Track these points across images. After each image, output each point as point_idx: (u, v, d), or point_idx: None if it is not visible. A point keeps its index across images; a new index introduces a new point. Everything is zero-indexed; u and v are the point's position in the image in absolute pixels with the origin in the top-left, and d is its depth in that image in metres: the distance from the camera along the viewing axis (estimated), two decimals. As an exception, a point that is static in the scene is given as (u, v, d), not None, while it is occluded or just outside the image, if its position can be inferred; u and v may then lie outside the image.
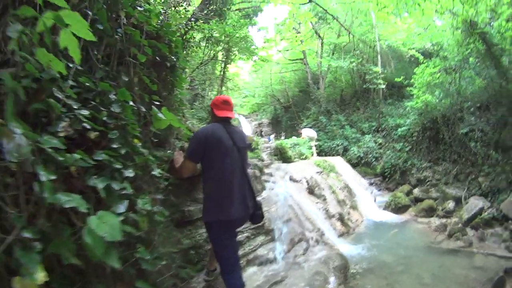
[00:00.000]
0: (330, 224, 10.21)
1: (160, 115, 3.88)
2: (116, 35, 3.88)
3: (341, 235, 10.32)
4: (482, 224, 11.05)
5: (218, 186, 4.54)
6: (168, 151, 5.21)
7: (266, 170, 10.46)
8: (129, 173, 3.26)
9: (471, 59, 15.90)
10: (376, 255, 8.97)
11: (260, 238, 7.23)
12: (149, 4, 5.19)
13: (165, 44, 4.91)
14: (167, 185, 4.79)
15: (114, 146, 3.21)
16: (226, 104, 4.87)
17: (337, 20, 14.97)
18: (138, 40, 4.13)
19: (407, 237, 10.89)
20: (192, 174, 5.03)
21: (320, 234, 9.04)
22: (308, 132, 20.45)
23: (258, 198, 7.97)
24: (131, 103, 3.63)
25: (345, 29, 14.00)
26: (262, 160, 11.62)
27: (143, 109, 4.05)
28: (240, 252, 6.01)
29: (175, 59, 5.27)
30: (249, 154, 10.82)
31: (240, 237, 6.59)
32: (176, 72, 5.43)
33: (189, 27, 10.98)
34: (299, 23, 29.04)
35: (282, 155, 13.75)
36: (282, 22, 29.72)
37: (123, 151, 3.28)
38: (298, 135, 20.59)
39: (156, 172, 4.20)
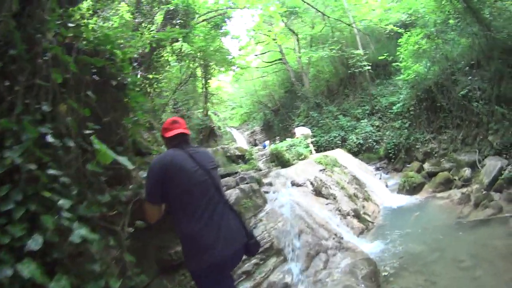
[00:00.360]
0: (346, 224, 9.40)
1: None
2: (41, 58, 3.19)
3: (361, 232, 9.53)
4: (506, 184, 10.37)
5: (193, 224, 3.71)
6: (130, 187, 4.27)
7: (265, 180, 9.64)
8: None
9: (450, 21, 15.81)
10: (404, 247, 8.15)
11: (272, 261, 6.32)
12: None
13: (107, 59, 4.11)
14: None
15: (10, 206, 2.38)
16: (176, 124, 4.19)
17: (310, 4, 14.35)
18: (63, 60, 3.36)
19: (431, 217, 10.18)
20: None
21: (338, 239, 8.10)
22: (301, 131, 19.68)
23: (262, 214, 7.30)
24: (51, 138, 2.92)
25: (320, 12, 13.35)
26: (259, 170, 10.96)
27: (71, 144, 3.24)
28: (251, 284, 5.51)
29: (122, 76, 4.45)
30: (244, 166, 10.38)
31: (247, 265, 5.82)
32: (127, 91, 4.58)
33: (155, 45, 10.32)
34: (271, 24, 28.48)
35: (279, 160, 13.01)
36: (254, 27, 29.41)
37: (18, 214, 2.42)
38: (292, 135, 19.76)
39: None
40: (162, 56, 12.25)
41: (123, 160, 3.38)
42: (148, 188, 3.80)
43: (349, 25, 20.71)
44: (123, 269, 3.61)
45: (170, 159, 3.81)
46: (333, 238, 8.00)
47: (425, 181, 13.62)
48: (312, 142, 19.48)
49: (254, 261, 5.98)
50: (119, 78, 4.38)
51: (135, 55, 9.83)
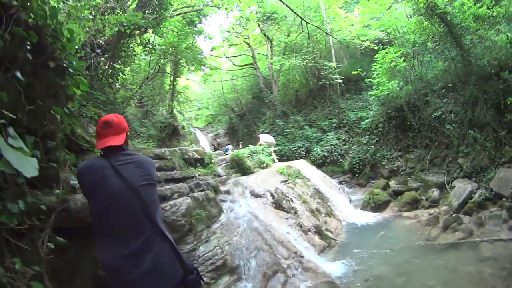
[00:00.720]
0: (307, 241, 8.93)
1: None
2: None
3: (322, 250, 9.09)
4: (475, 208, 10.37)
5: (109, 251, 3.06)
6: (55, 192, 3.62)
7: (222, 188, 9.19)
8: None
9: (429, 43, 15.88)
10: (370, 268, 7.79)
11: (224, 281, 5.75)
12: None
13: (49, 36, 3.53)
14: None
15: None
16: (107, 127, 3.44)
17: (291, 9, 14.01)
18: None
19: (398, 237, 9.95)
20: None
21: (298, 258, 7.57)
22: (265, 138, 19.09)
23: (216, 225, 6.78)
24: None
25: (300, 17, 13.03)
26: (218, 176, 10.58)
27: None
28: None
29: (64, 58, 3.80)
30: (203, 170, 9.95)
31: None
32: (67, 76, 3.94)
33: (122, 31, 9.78)
34: (247, 28, 28.16)
35: (240, 167, 12.73)
36: (228, 28, 29.15)
37: None
38: (256, 141, 19.38)
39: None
40: (130, 45, 11.66)
41: (14, 159, 2.56)
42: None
43: (326, 33, 20.39)
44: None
45: (87, 170, 3.26)
46: (293, 257, 7.48)
47: (391, 199, 13.48)
48: (275, 151, 19.19)
49: (204, 279, 5.39)
50: (59, 61, 3.74)
51: (100, 41, 9.32)
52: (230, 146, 27.92)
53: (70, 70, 3.94)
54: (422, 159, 15.75)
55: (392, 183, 15.34)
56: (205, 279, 5.40)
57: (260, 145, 17.76)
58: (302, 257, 7.65)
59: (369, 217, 12.46)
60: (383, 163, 18.31)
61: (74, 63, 4.01)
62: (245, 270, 6.15)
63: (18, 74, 3.14)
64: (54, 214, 3.44)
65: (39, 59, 3.47)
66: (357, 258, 8.44)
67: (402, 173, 16.57)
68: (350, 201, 14.76)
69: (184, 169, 9.14)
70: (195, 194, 6.99)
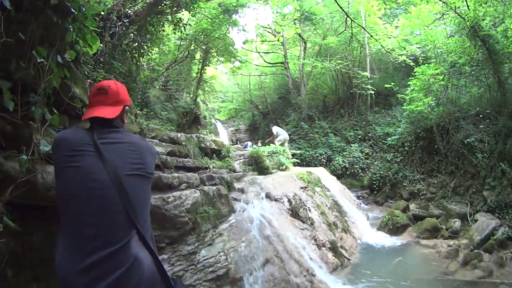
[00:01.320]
0: (320, 258, 8.20)
1: None
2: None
3: (334, 269, 8.37)
4: (497, 246, 9.68)
5: (66, 258, 2.26)
6: (22, 157, 2.81)
7: (236, 185, 8.57)
8: None
9: (466, 67, 15.60)
10: None
11: None
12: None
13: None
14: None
15: None
16: (101, 94, 2.75)
17: (338, 4, 13.36)
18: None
19: (414, 266, 9.26)
20: None
21: (309, 277, 6.79)
22: (280, 131, 19.29)
23: (224, 226, 6.12)
24: None
25: (344, 12, 12.41)
26: (234, 171, 10.07)
27: None
28: None
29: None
30: (218, 163, 9.46)
31: (191, 297, 4.44)
32: (70, 19, 3.33)
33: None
34: (282, 27, 27.70)
35: (258, 165, 12.25)
36: (264, 24, 28.92)
37: None
38: (270, 135, 20.10)
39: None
40: (161, 23, 11.10)
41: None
42: None
43: (370, 35, 19.64)
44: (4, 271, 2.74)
45: (64, 140, 2.51)
46: (304, 275, 6.69)
47: (409, 223, 12.70)
48: (295, 155, 18.64)
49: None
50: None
51: (129, 11, 8.87)
52: (249, 143, 27.42)
53: (77, 15, 3.36)
54: (445, 185, 15.09)
55: (412, 206, 14.52)
56: (200, 289, 4.66)
57: (273, 138, 18.26)
58: (314, 275, 6.94)
59: (386, 239, 11.78)
60: (404, 184, 17.55)
61: (84, 8, 3.46)
62: (249, 284, 5.37)
63: (7, 3, 2.59)
64: (13, 186, 2.71)
65: None
66: (369, 284, 7.85)
67: (422, 197, 15.91)
68: (368, 219, 14.13)
69: (198, 158, 8.62)
70: (206, 188, 6.33)
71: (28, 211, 3.02)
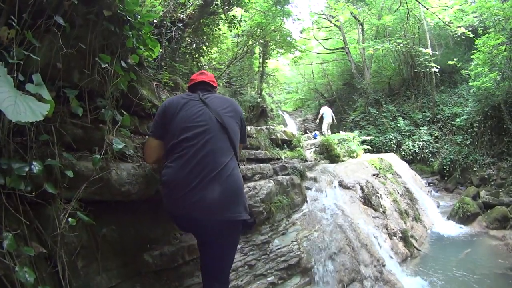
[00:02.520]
0: (391, 248, 8.09)
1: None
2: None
3: (404, 260, 8.22)
4: None
5: (176, 167, 3.18)
6: (95, 156, 3.06)
7: (309, 174, 8.52)
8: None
9: None
10: None
11: (293, 283, 5.02)
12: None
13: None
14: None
15: None
16: (202, 75, 3.86)
17: None
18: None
19: (481, 259, 8.93)
20: (157, 161, 3.64)
21: (380, 267, 6.68)
22: (324, 110, 21.85)
23: (297, 215, 6.15)
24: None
25: None
26: (306, 160, 10.03)
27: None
28: None
29: (124, 8, 3.50)
30: (289, 153, 9.60)
31: (259, 283, 4.57)
32: (127, 27, 3.60)
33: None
34: (335, 10, 27.34)
35: (329, 154, 12.18)
36: (318, 10, 28.79)
37: None
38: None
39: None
40: (215, 22, 11.24)
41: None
42: (153, 122, 3.62)
43: (425, 8, 19.08)
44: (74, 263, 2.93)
45: (175, 100, 3.56)
46: (374, 266, 6.60)
47: (479, 212, 12.24)
48: (366, 141, 18.19)
49: (270, 279, 4.75)
50: (117, 10, 3.40)
51: (182, 16, 9.04)
52: (317, 132, 27.42)
53: (133, 22, 3.66)
54: None
55: (482, 193, 14.08)
56: (271, 278, 4.78)
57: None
58: (384, 266, 6.84)
59: (455, 229, 11.51)
60: (474, 169, 17.03)
61: (139, 16, 3.75)
62: (320, 273, 5.38)
63: (60, 20, 2.86)
64: (86, 184, 2.97)
65: (90, 7, 3.19)
66: (436, 277, 7.66)
67: (492, 183, 15.40)
68: (438, 207, 13.82)
69: (269, 150, 8.62)
70: (279, 178, 6.33)
71: (101, 206, 3.22)
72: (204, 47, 10.72)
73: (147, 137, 3.83)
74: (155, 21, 7.12)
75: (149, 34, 4.07)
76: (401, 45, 22.82)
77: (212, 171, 3.10)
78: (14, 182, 2.43)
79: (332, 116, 21.70)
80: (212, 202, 3.05)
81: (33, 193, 2.57)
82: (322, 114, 21.76)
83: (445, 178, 18.53)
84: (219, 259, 3.37)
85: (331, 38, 33.59)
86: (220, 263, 3.39)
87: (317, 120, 23.19)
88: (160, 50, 6.17)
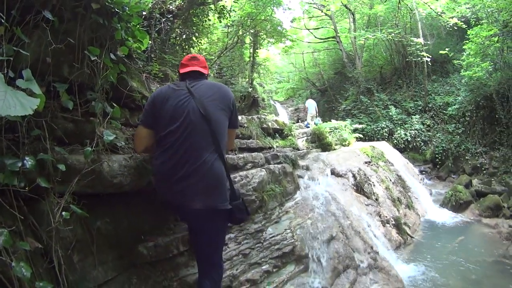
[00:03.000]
0: (384, 235, 8.16)
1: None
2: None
3: (397, 247, 8.33)
4: None
5: (162, 160, 3.39)
6: (86, 149, 3.07)
7: (301, 162, 8.48)
8: None
9: None
10: (442, 278, 7.07)
11: (288, 270, 5.03)
12: None
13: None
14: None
15: None
16: (194, 60, 3.87)
17: None
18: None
19: (474, 247, 9.07)
20: (146, 151, 3.73)
21: (373, 254, 6.74)
22: (309, 103, 22.51)
23: (290, 203, 6.14)
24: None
25: None
26: (297, 149, 10.05)
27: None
28: None
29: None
30: (281, 142, 9.63)
31: (254, 272, 4.60)
32: (116, 19, 3.63)
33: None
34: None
35: (320, 142, 12.26)
36: (309, 2, 28.66)
37: None
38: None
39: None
40: (205, 13, 11.23)
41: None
42: (143, 112, 3.69)
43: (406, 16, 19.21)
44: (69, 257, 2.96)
45: (163, 90, 3.63)
46: (368, 252, 6.66)
47: (472, 200, 12.43)
48: (357, 130, 18.25)
49: (265, 267, 4.76)
50: (105, 2, 3.44)
51: (170, 7, 9.15)
52: (309, 121, 27.67)
53: (121, 14, 3.68)
54: (507, 159, 14.82)
55: (475, 181, 14.20)
56: (266, 266, 4.78)
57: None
58: (377, 253, 6.87)
59: (448, 217, 11.64)
60: (466, 158, 17.28)
61: (127, 8, 3.73)
62: (315, 260, 5.39)
63: (49, 15, 2.90)
64: (79, 177, 2.99)
65: (79, 1, 3.24)
66: (430, 264, 7.78)
67: (485, 171, 15.61)
68: (431, 195, 13.93)
69: (261, 139, 8.62)
70: (271, 167, 6.33)
71: (94, 200, 3.24)
72: (194, 38, 10.70)
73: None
74: (144, 13, 6.98)
75: (138, 26, 4.08)
76: (393, 34, 22.89)
77: (192, 164, 3.26)
78: (8, 178, 2.46)
79: (315, 108, 22.14)
80: (194, 192, 3.27)
81: (27, 188, 2.59)
82: (307, 107, 22.34)
83: (438, 166, 18.73)
84: (207, 245, 3.56)
85: (322, 27, 33.55)
86: (209, 249, 3.57)
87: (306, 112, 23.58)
88: (150, 41, 6.18)
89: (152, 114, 3.54)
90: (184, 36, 10.08)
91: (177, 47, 9.80)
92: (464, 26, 18.10)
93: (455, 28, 20.39)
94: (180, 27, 9.83)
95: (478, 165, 16.17)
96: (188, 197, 3.29)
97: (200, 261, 3.65)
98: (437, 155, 18.80)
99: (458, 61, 19.02)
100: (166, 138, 3.36)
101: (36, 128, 2.79)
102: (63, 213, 2.76)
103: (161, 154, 3.39)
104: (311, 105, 22.34)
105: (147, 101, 3.68)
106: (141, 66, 5.09)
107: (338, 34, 29.36)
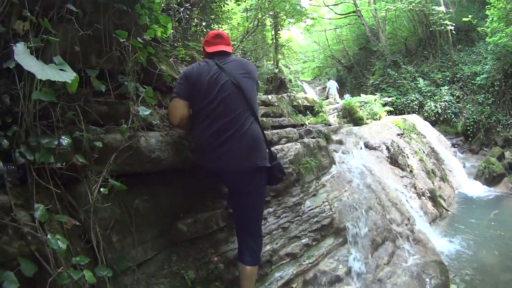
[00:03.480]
0: (420, 207, 8.02)
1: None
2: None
3: (433, 220, 8.18)
4: None
5: (203, 129, 3.61)
6: (122, 126, 3.17)
7: (334, 137, 8.48)
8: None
9: None
10: (477, 252, 6.94)
11: (327, 243, 5.02)
12: None
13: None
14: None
15: None
16: (219, 38, 4.04)
17: None
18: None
19: (509, 221, 8.78)
20: (181, 123, 3.81)
21: (410, 226, 6.66)
22: (330, 84, 23.70)
23: (326, 177, 6.15)
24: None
25: None
26: (329, 125, 10.02)
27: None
28: (293, 270, 4.42)
29: None
30: (313, 119, 9.73)
31: (293, 246, 4.64)
32: (138, 6, 3.72)
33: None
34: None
35: (352, 117, 12.25)
36: None
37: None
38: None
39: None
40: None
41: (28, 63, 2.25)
42: (176, 86, 3.84)
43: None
44: (108, 237, 3.06)
45: (195, 67, 3.80)
46: (406, 224, 6.60)
47: (505, 173, 12.10)
48: (388, 103, 17.76)
49: (304, 240, 4.76)
50: None
51: None
52: (339, 99, 27.67)
53: (143, 1, 3.83)
54: None
55: (507, 154, 13.86)
56: (305, 240, 4.80)
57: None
58: (414, 225, 6.79)
59: (482, 190, 11.38)
60: (498, 129, 16.90)
61: None
62: (353, 233, 5.38)
63: (72, 6, 2.98)
64: (116, 153, 3.08)
65: None
66: (466, 238, 7.59)
67: None
68: (464, 167, 13.63)
69: (293, 117, 8.64)
70: (306, 140, 6.31)
71: (132, 179, 3.27)
72: (214, 25, 10.78)
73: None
74: (162, 4, 7.11)
75: (159, 11, 4.21)
76: (413, 4, 22.28)
77: (231, 128, 3.50)
78: (44, 156, 2.52)
79: (336, 87, 23.22)
80: (236, 152, 3.50)
81: (64, 165, 2.67)
82: (329, 87, 23.00)
83: (469, 139, 18.36)
84: (250, 209, 3.76)
85: (341, 2, 33.10)
86: (250, 216, 3.76)
87: (326, 94, 24.19)
88: (172, 31, 6.23)
89: (186, 87, 3.69)
90: (204, 24, 10.15)
91: (199, 36, 9.71)
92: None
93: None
94: (199, 15, 9.88)
95: (510, 137, 15.85)
96: (230, 160, 3.51)
97: (240, 232, 3.81)
98: (468, 128, 18.41)
99: (482, 28, 18.36)
100: (203, 110, 3.58)
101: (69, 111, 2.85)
102: (101, 189, 2.83)
103: (200, 125, 3.59)
104: (332, 86, 23.29)
105: (179, 77, 3.84)
106: (168, 49, 5.19)
107: (358, 8, 28.67)
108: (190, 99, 3.71)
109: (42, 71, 2.14)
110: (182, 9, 8.22)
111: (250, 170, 3.61)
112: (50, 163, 2.56)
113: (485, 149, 16.78)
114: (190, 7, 8.78)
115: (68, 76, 2.28)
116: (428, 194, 8.64)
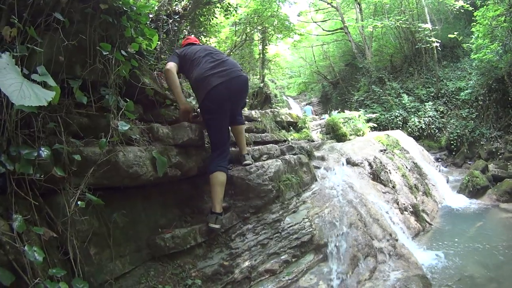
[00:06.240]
0: (403, 222, 8.05)
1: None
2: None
3: (416, 234, 8.23)
4: None
5: (199, 66, 4.71)
6: (101, 140, 3.17)
7: (316, 153, 8.46)
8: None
9: None
10: (462, 264, 6.91)
11: (307, 260, 4.97)
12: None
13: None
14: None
15: None
16: (190, 39, 5.52)
17: None
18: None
19: (493, 232, 8.83)
20: (173, 80, 4.72)
21: (392, 241, 6.64)
22: (306, 108, 24.29)
23: (307, 193, 6.22)
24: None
25: None
26: (312, 141, 10.05)
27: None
28: (274, 286, 4.38)
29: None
30: (296, 135, 9.95)
31: (273, 262, 4.60)
32: (124, 18, 3.84)
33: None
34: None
35: (335, 133, 12.09)
36: None
37: None
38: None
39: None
40: (211, 11, 11.31)
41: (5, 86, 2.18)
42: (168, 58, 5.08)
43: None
44: (86, 250, 3.07)
45: (185, 48, 5.14)
46: (387, 240, 6.56)
47: (489, 185, 12.17)
48: (372, 119, 18.20)
49: (283, 257, 4.73)
50: (113, 3, 3.67)
51: (176, 8, 9.30)
52: (325, 115, 27.85)
53: (129, 13, 3.92)
54: None
55: (491, 166, 13.98)
56: (285, 256, 4.76)
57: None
58: (397, 240, 6.77)
59: (466, 203, 11.41)
60: (481, 143, 17.11)
61: (135, 7, 4.00)
62: (334, 249, 5.31)
63: (59, 16, 3.08)
64: (94, 167, 3.09)
65: (87, 2, 3.43)
66: (450, 250, 7.60)
67: (500, 156, 15.34)
68: (447, 181, 13.69)
69: (275, 132, 8.66)
70: (287, 157, 6.30)
71: (110, 193, 3.31)
72: (202, 38, 10.81)
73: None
74: (150, 15, 7.34)
75: (146, 24, 4.33)
76: (400, 21, 22.69)
77: (222, 59, 4.78)
78: (23, 167, 2.53)
79: (312, 112, 24.22)
80: (233, 68, 4.71)
81: (42, 177, 2.67)
82: (305, 111, 22.78)
83: (453, 153, 18.54)
84: (238, 111, 5.42)
85: (329, 19, 33.44)
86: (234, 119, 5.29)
87: None
88: (159, 42, 6.25)
89: (178, 57, 4.88)
90: (192, 36, 10.13)
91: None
92: (470, 8, 17.95)
93: (462, 11, 20.25)
94: (188, 27, 9.99)
95: (494, 149, 15.98)
96: (231, 72, 4.63)
97: (215, 147, 4.76)
98: (452, 142, 18.60)
99: (467, 44, 18.63)
100: (196, 60, 4.74)
101: (51, 122, 2.88)
102: (79, 202, 2.84)
103: (196, 68, 4.67)
104: (308, 110, 23.82)
105: (173, 53, 5.12)
106: (152, 63, 5.24)
107: (345, 25, 29.14)
108: (180, 64, 4.94)
109: (19, 91, 2.13)
110: (171, 20, 8.34)
111: (245, 77, 5.01)
112: (30, 174, 2.58)
113: (468, 162, 16.93)
114: (179, 19, 8.89)
115: (47, 95, 2.29)
116: (411, 209, 8.68)
